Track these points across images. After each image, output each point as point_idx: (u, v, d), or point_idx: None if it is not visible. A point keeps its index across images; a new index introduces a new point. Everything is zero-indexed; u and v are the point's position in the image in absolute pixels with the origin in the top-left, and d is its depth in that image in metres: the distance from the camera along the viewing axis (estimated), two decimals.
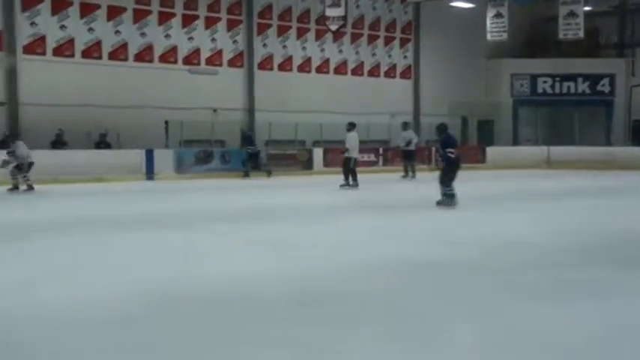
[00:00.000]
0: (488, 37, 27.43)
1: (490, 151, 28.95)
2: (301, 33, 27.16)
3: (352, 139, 17.74)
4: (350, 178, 17.48)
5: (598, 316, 5.76)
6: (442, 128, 13.16)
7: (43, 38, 21.72)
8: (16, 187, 16.51)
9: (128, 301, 5.91)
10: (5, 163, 16.51)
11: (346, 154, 17.63)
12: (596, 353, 4.87)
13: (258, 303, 5.98)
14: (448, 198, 12.90)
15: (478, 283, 6.89)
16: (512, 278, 7.11)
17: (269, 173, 22.04)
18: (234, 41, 25.64)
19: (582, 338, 5.12)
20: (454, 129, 29.56)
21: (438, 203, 12.91)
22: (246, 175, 21.66)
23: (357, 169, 17.89)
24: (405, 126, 21.93)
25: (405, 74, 30.31)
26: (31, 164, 16.54)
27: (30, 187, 16.52)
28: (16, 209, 13.47)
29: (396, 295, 6.34)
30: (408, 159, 21.66)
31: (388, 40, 29.62)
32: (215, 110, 24.53)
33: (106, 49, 22.86)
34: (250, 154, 21.98)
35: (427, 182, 17.83)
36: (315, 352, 4.69)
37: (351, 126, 17.85)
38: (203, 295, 6.22)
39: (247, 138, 22.52)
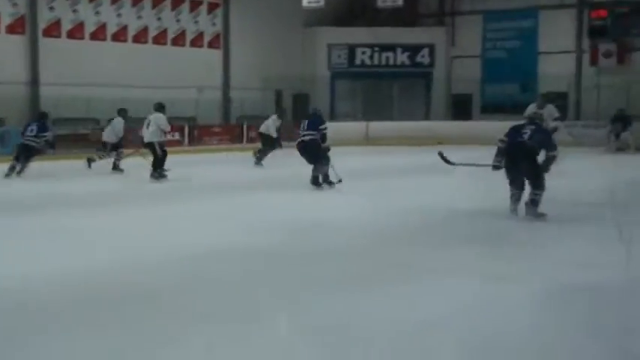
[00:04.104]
0: (304, 3, 27.72)
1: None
2: None
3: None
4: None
5: (408, 302, 6.24)
6: None
7: None
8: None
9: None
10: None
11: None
12: (406, 346, 5.06)
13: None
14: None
15: (281, 270, 7.38)
16: (317, 265, 7.56)
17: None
18: (14, 4, 24.33)
19: (391, 331, 5.42)
20: (266, 104, 29.95)
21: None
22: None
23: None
24: None
25: (213, 43, 30.08)
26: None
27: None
28: None
29: (188, 289, 6.65)
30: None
31: (194, 5, 29.24)
32: None
33: None
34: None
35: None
36: None
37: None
38: None
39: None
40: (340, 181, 13.83)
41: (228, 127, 28.42)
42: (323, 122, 14.31)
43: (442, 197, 12.59)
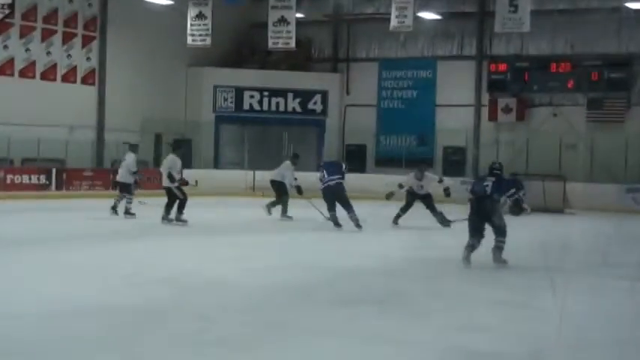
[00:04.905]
0: (189, 40, 26.22)
1: (186, 174, 27.99)
2: None
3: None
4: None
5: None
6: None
7: None
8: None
9: None
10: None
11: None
12: None
13: None
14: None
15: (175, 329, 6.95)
16: (211, 323, 7.17)
17: None
18: None
19: None
20: (145, 148, 28.26)
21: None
22: None
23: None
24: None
25: (87, 79, 28.15)
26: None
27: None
28: None
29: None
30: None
31: (68, 37, 27.33)
32: None
33: None
34: None
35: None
36: None
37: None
38: None
39: None
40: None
41: (100, 172, 26.44)
42: (342, 164, 16.04)
43: (332, 254, 12.37)
